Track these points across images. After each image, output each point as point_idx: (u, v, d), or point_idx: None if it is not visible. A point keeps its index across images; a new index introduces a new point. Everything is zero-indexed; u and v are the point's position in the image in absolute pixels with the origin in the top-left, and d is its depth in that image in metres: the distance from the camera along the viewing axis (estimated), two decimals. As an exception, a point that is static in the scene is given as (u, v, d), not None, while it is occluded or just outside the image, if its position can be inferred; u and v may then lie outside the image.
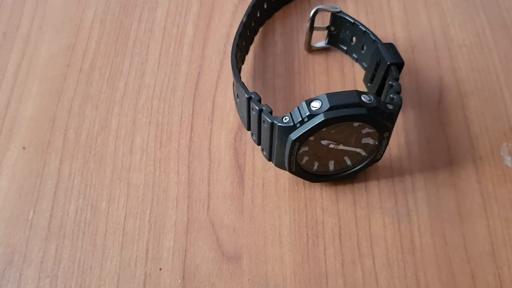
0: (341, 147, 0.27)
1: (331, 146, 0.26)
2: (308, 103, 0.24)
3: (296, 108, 0.25)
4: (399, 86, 0.27)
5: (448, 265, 0.27)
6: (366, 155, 0.28)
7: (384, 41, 0.31)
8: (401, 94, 0.27)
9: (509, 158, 0.30)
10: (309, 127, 0.24)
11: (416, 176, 0.30)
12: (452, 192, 0.29)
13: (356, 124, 0.25)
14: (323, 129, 0.25)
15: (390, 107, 0.26)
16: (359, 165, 0.28)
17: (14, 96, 0.33)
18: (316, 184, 0.30)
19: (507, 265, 0.27)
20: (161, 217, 0.29)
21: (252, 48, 0.35)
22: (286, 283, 0.27)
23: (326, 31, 0.34)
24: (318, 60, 0.34)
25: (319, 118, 0.24)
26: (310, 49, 0.34)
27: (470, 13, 0.36)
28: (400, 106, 0.26)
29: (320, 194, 0.29)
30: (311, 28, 0.33)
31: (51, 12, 0.37)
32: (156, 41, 0.36)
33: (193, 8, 0.37)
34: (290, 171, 0.28)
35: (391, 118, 0.26)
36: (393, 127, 0.27)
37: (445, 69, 0.34)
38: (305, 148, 0.26)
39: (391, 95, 0.27)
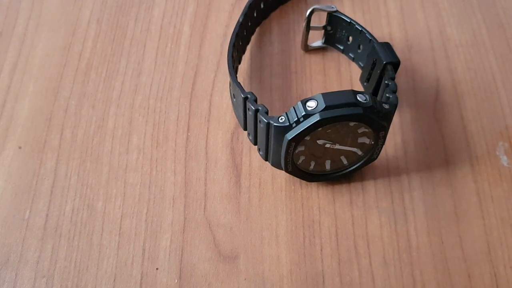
0: (337, 146, 0.27)
1: (327, 145, 0.27)
2: (304, 103, 0.25)
3: (292, 108, 0.25)
4: (395, 85, 0.27)
5: (444, 264, 0.27)
6: (363, 154, 0.28)
7: (380, 40, 0.31)
8: (397, 94, 0.27)
9: (505, 158, 0.30)
10: (305, 127, 0.24)
11: (412, 176, 0.30)
12: (448, 192, 0.29)
13: (352, 123, 0.25)
14: (319, 129, 0.25)
15: (386, 106, 0.26)
16: (355, 164, 0.28)
17: (10, 95, 0.33)
18: (312, 183, 0.30)
19: (503, 264, 0.27)
20: (157, 217, 0.29)
21: (248, 47, 0.35)
22: (282, 283, 0.27)
23: (323, 31, 0.34)
24: (314, 60, 0.34)
25: (315, 118, 0.24)
26: (307, 48, 0.34)
27: (467, 13, 0.36)
28: (396, 106, 0.26)
29: (316, 193, 0.29)
30: (308, 27, 0.33)
31: (47, 11, 0.37)
32: (152, 40, 0.36)
33: (189, 7, 0.37)
34: (287, 170, 0.28)
35: (387, 117, 0.26)
36: (389, 126, 0.27)
37: (442, 69, 0.34)
38: (301, 148, 0.26)
39: (387, 95, 0.27)
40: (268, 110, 0.26)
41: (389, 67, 0.29)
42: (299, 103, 0.25)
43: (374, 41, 0.30)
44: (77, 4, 0.38)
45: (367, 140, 0.27)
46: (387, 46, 0.30)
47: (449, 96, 0.33)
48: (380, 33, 0.35)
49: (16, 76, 0.34)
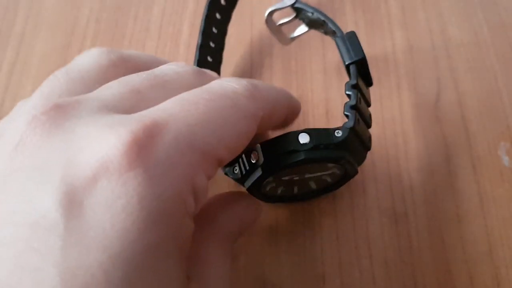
0: (307, 175, 0.25)
1: (296, 178, 0.25)
2: (248, 155, 0.23)
3: (240, 159, 0.24)
4: (355, 96, 0.23)
5: (445, 265, 0.27)
6: (335, 179, 0.27)
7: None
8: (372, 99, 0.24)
9: (506, 158, 0.30)
10: (254, 180, 0.23)
11: (413, 176, 0.30)
12: (450, 192, 0.29)
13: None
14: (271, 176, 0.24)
15: (339, 134, 0.23)
16: (336, 182, 0.27)
17: (8, 95, 0.33)
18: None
19: (505, 265, 0.27)
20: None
21: (249, 48, 0.35)
22: (282, 284, 0.27)
23: (297, 20, 0.31)
24: (315, 60, 0.34)
25: (258, 172, 0.23)
26: (289, 41, 0.32)
27: (468, 12, 0.36)
28: (351, 128, 0.23)
29: (317, 194, 0.29)
30: (274, 28, 0.31)
31: (46, 11, 0.37)
32: (152, 39, 0.35)
33: (189, 6, 0.37)
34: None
35: (341, 146, 0.23)
36: (349, 151, 0.24)
37: (443, 69, 0.34)
38: (269, 179, 0.25)
39: (345, 113, 0.23)
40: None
41: (351, 68, 0.24)
42: (243, 156, 0.24)
43: (338, 33, 0.26)
44: (76, 3, 0.37)
45: (336, 171, 0.26)
46: (349, 39, 0.26)
47: (450, 95, 0.33)
48: (381, 32, 0.35)
49: (15, 76, 0.34)
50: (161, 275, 0.16)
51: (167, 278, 0.16)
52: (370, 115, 0.27)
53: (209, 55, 0.32)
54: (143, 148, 0.16)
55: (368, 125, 0.26)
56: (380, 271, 0.27)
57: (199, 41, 0.31)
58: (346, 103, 0.24)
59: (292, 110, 0.23)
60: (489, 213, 0.29)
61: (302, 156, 0.22)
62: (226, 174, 0.25)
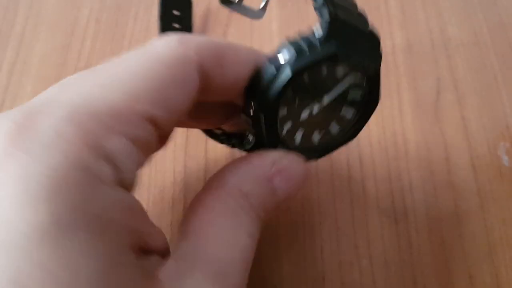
0: (326, 98, 0.21)
1: (317, 109, 0.21)
2: (247, 111, 0.21)
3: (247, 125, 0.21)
4: (326, 10, 0.20)
5: (445, 265, 0.27)
6: (364, 90, 0.22)
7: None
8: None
9: (506, 158, 0.30)
10: (265, 127, 0.20)
11: (413, 176, 0.30)
12: (449, 192, 0.29)
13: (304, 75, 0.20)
14: (285, 109, 0.20)
15: (319, 33, 0.19)
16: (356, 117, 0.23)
17: (8, 95, 0.33)
18: (312, 183, 0.29)
19: (504, 264, 0.27)
20: (157, 218, 0.29)
21: (249, 46, 0.34)
22: (282, 284, 0.27)
23: None
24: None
25: (262, 117, 0.20)
26: (261, 14, 0.29)
27: (468, 12, 0.36)
28: (330, 19, 0.19)
29: (316, 193, 0.29)
30: (236, 6, 0.29)
31: (46, 11, 0.37)
32: (152, 39, 0.35)
33: (189, 6, 0.37)
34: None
35: (328, 40, 0.19)
36: (342, 43, 0.20)
37: (443, 68, 0.34)
38: (289, 126, 0.21)
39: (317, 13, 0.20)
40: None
41: None
42: (244, 116, 0.21)
43: None
44: (76, 3, 0.37)
45: (353, 77, 0.21)
46: None
47: (450, 95, 0.33)
48: (380, 32, 0.35)
49: (14, 76, 0.34)
50: (68, 253, 0.15)
51: (80, 253, 0.15)
52: (354, 4, 0.23)
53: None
54: (23, 132, 0.15)
55: (355, 9, 0.22)
56: (380, 271, 0.27)
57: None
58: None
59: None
60: (489, 213, 0.29)
61: (287, 69, 0.19)
62: (246, 150, 0.23)
